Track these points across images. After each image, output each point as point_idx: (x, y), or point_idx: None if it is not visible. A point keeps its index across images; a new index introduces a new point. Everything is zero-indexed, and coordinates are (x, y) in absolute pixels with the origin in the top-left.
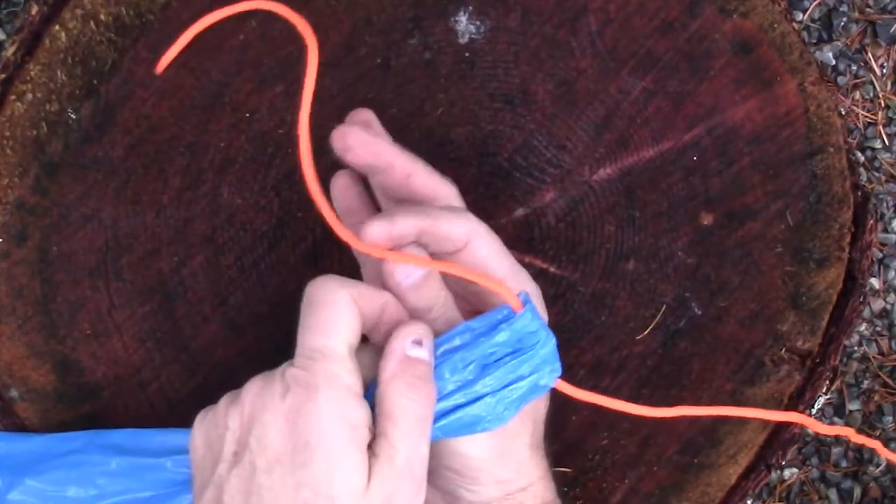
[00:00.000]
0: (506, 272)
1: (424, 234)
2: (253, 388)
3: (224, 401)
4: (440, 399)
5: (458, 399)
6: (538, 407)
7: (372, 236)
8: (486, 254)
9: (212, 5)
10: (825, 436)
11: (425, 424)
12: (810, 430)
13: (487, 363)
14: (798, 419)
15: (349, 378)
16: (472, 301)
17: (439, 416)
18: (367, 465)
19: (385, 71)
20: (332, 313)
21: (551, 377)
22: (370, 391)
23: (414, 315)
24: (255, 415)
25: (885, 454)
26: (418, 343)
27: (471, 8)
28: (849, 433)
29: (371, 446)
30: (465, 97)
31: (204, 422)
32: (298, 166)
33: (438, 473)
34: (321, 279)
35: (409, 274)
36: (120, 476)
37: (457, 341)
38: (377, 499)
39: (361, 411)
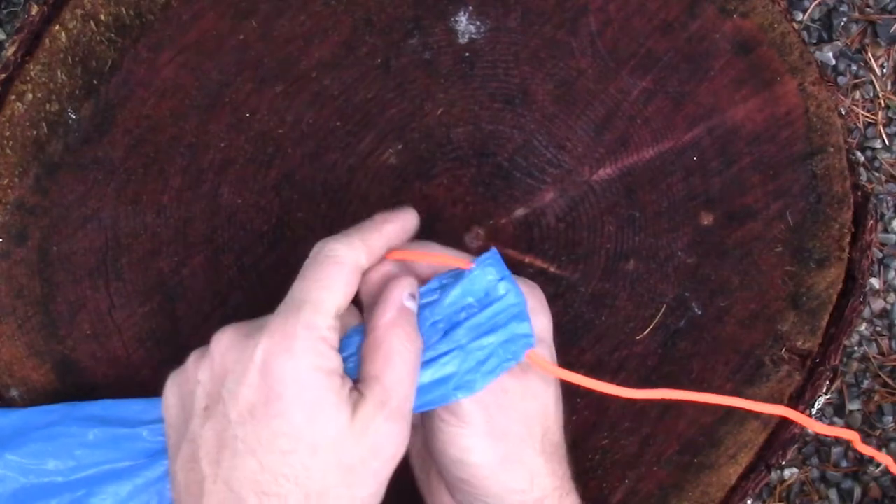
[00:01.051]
0: None
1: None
2: (223, 340)
3: (193, 356)
4: None
5: (428, 355)
6: (547, 412)
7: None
8: None
9: (212, 5)
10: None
11: (416, 372)
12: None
13: (458, 321)
14: (785, 412)
15: (327, 332)
16: None
17: None
18: (347, 411)
19: (385, 71)
20: (334, 272)
21: (522, 342)
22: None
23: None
24: (226, 366)
25: (863, 448)
26: (412, 297)
27: (471, 8)
28: (853, 437)
29: (359, 391)
30: (465, 97)
31: (175, 380)
32: (298, 167)
33: (457, 487)
34: (334, 241)
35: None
36: (97, 447)
37: (426, 300)
38: (366, 441)
39: (337, 361)
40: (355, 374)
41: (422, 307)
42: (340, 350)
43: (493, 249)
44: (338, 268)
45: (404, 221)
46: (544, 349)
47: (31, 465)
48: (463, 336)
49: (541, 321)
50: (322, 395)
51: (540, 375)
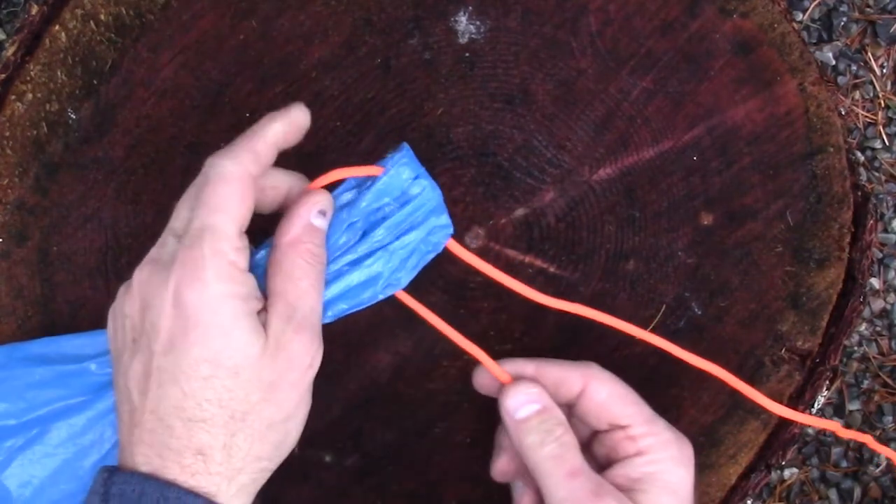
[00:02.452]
0: (633, 413)
1: (540, 377)
2: (142, 275)
3: (121, 291)
4: (330, 262)
5: (348, 258)
6: (682, 485)
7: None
8: (603, 398)
9: (212, 5)
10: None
11: (321, 284)
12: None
13: (375, 220)
14: (716, 370)
15: (235, 255)
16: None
17: (333, 280)
18: (262, 331)
19: (385, 71)
20: (226, 192)
21: (442, 234)
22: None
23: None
24: (146, 299)
25: (877, 447)
26: (322, 213)
27: (471, 8)
28: (835, 427)
29: (264, 309)
30: (465, 97)
31: (112, 314)
32: (298, 167)
33: None
34: (218, 156)
35: (520, 406)
36: (46, 386)
37: (342, 201)
38: (281, 355)
39: (249, 284)
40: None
41: (338, 209)
42: (256, 264)
43: (405, 146)
44: (228, 186)
45: (291, 117)
46: (671, 498)
47: None
48: (385, 236)
49: (680, 474)
50: (237, 319)
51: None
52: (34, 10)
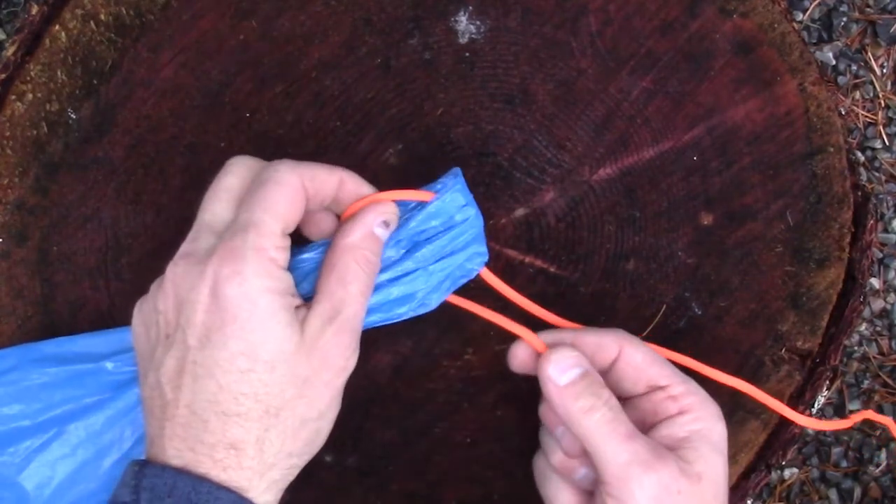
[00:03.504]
0: (670, 374)
1: (578, 345)
2: (176, 269)
3: (153, 286)
4: None
5: (390, 274)
6: (716, 470)
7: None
8: (639, 360)
9: (212, 5)
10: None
11: (369, 292)
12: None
13: (419, 240)
14: (744, 386)
15: (276, 253)
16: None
17: (374, 291)
18: (299, 328)
19: (385, 71)
20: (277, 192)
21: (477, 261)
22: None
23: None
24: (180, 294)
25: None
26: (386, 225)
27: (471, 8)
28: (888, 422)
29: (308, 307)
30: (465, 97)
31: (141, 309)
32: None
33: None
34: (278, 162)
35: (563, 371)
36: (61, 386)
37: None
38: (317, 354)
39: (287, 281)
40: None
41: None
42: (294, 266)
43: (459, 172)
44: (280, 188)
45: (352, 177)
46: (718, 456)
47: None
48: (427, 257)
49: (721, 430)
50: (274, 314)
51: (712, 484)
52: (34, 10)
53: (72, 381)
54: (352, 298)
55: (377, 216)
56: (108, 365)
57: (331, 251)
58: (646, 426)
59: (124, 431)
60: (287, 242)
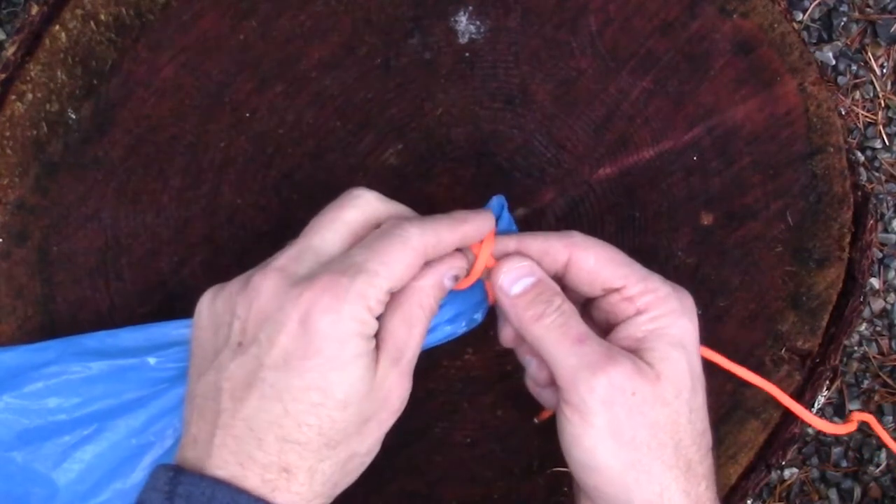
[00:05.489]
0: (626, 275)
1: (524, 251)
2: (267, 281)
3: (236, 286)
4: None
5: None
6: (677, 422)
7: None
8: (591, 264)
9: (212, 5)
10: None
11: (423, 336)
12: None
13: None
14: (770, 388)
15: (375, 304)
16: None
17: None
18: (374, 370)
19: (385, 71)
20: (400, 252)
21: (480, 311)
22: None
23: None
24: (267, 310)
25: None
26: (455, 278)
27: (471, 8)
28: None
29: (376, 347)
30: (465, 97)
31: (214, 303)
32: (298, 167)
33: (590, 497)
34: (410, 223)
35: (514, 281)
36: (101, 381)
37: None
38: (380, 394)
39: (375, 327)
40: None
41: None
42: None
43: (503, 202)
44: (405, 249)
45: (480, 224)
46: (679, 352)
47: (33, 406)
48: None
49: (683, 325)
50: (358, 357)
51: (672, 383)
52: (34, 10)
53: (113, 376)
54: (413, 341)
55: (450, 269)
56: (151, 360)
57: (404, 289)
58: (609, 327)
59: (166, 430)
60: (388, 298)
